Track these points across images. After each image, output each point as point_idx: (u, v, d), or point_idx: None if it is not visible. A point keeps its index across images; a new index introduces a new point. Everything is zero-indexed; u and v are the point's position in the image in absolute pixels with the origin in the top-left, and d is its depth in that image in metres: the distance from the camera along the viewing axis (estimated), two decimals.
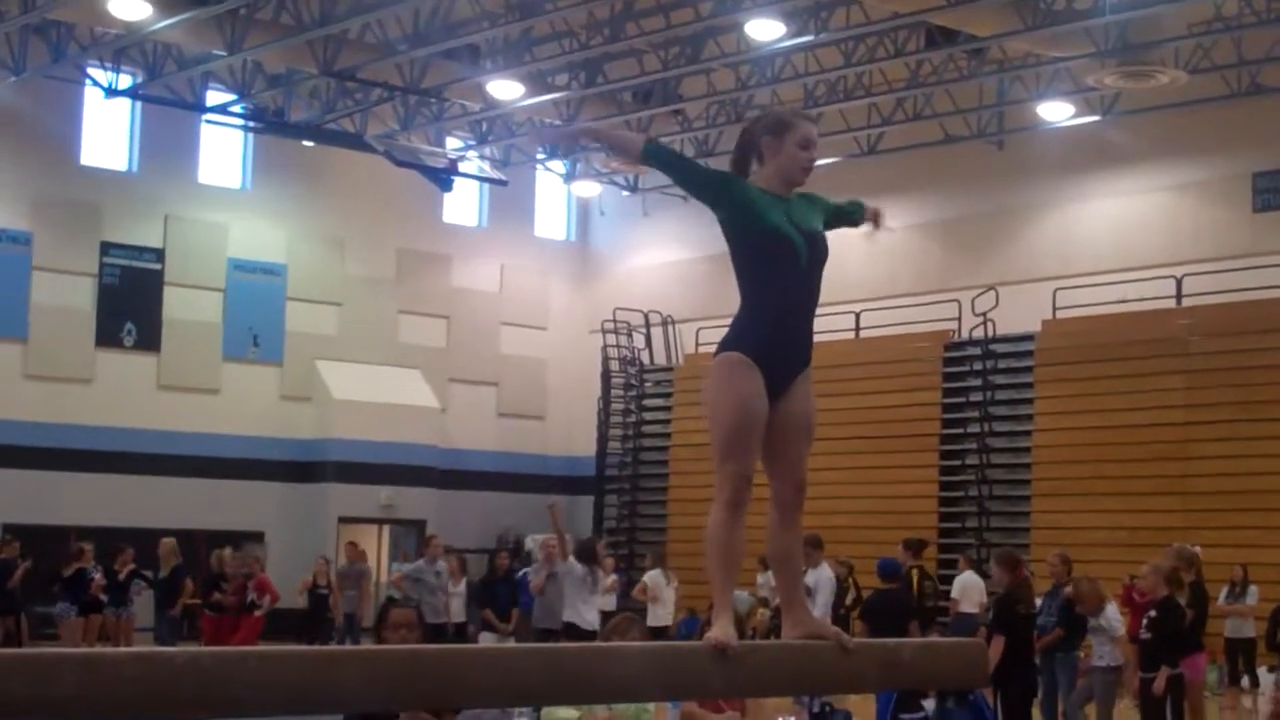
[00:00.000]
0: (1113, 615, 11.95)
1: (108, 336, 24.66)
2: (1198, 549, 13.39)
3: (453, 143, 26.15)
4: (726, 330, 4.55)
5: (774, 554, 4.75)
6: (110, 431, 24.03)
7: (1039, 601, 12.37)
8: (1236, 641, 17.96)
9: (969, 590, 16.35)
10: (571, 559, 14.97)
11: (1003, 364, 22.80)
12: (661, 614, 16.79)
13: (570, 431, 28.67)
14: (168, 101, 23.29)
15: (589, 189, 28.71)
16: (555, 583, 15.12)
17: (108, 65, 22.60)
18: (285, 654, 3.94)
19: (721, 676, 4.44)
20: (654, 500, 26.73)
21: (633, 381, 27.61)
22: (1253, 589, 17.71)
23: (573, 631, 14.46)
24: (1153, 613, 11.04)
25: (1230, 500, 19.52)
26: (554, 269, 29.64)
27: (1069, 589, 12.36)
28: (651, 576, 17.35)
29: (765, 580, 20.90)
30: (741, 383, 4.50)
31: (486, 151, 26.39)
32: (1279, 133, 21.15)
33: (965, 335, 23.18)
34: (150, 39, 21.03)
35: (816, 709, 7.56)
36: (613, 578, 16.70)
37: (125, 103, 24.31)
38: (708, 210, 4.72)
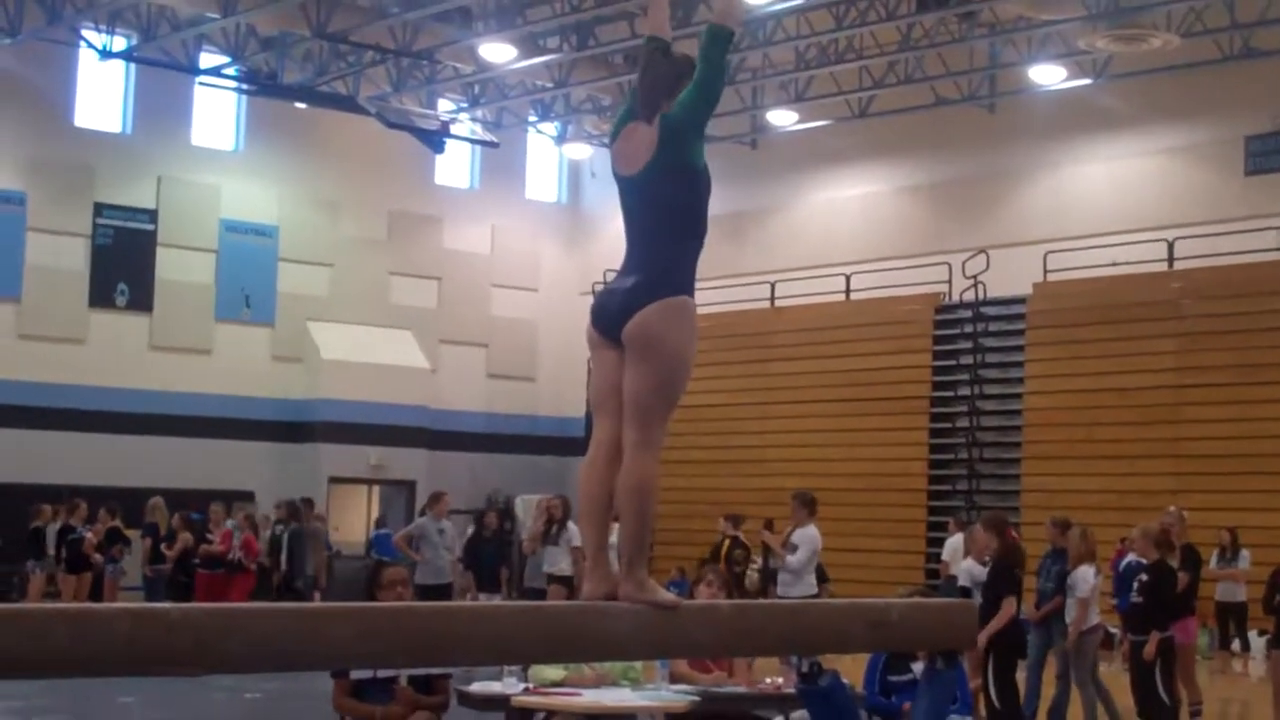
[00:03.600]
0: (1082, 575, 11.79)
1: (101, 297, 24.66)
2: (1184, 512, 13.42)
3: (445, 105, 26.09)
4: (664, 267, 4.43)
5: (605, 500, 4.50)
6: (103, 391, 24.05)
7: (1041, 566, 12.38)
8: (1228, 605, 18.00)
9: (959, 553, 16.38)
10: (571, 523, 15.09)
11: (993, 327, 22.85)
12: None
13: (560, 392, 28.70)
14: (162, 63, 23.22)
15: (580, 151, 28.66)
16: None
17: (102, 27, 22.53)
18: (277, 610, 3.99)
19: (709, 635, 4.49)
20: None
21: None
22: (1244, 553, 17.75)
23: (558, 580, 14.75)
24: (1144, 576, 11.05)
25: (1223, 464, 19.59)
26: (545, 231, 29.61)
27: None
28: (574, 529, 16.22)
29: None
30: (697, 334, 4.48)
31: (478, 114, 26.34)
32: (1271, 96, 21.15)
33: (956, 298, 23.22)
34: (144, 1, 20.95)
35: (805, 668, 7.61)
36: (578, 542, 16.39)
37: (119, 65, 24.23)
38: None
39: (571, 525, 15.39)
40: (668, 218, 4.49)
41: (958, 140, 24.08)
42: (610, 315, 4.48)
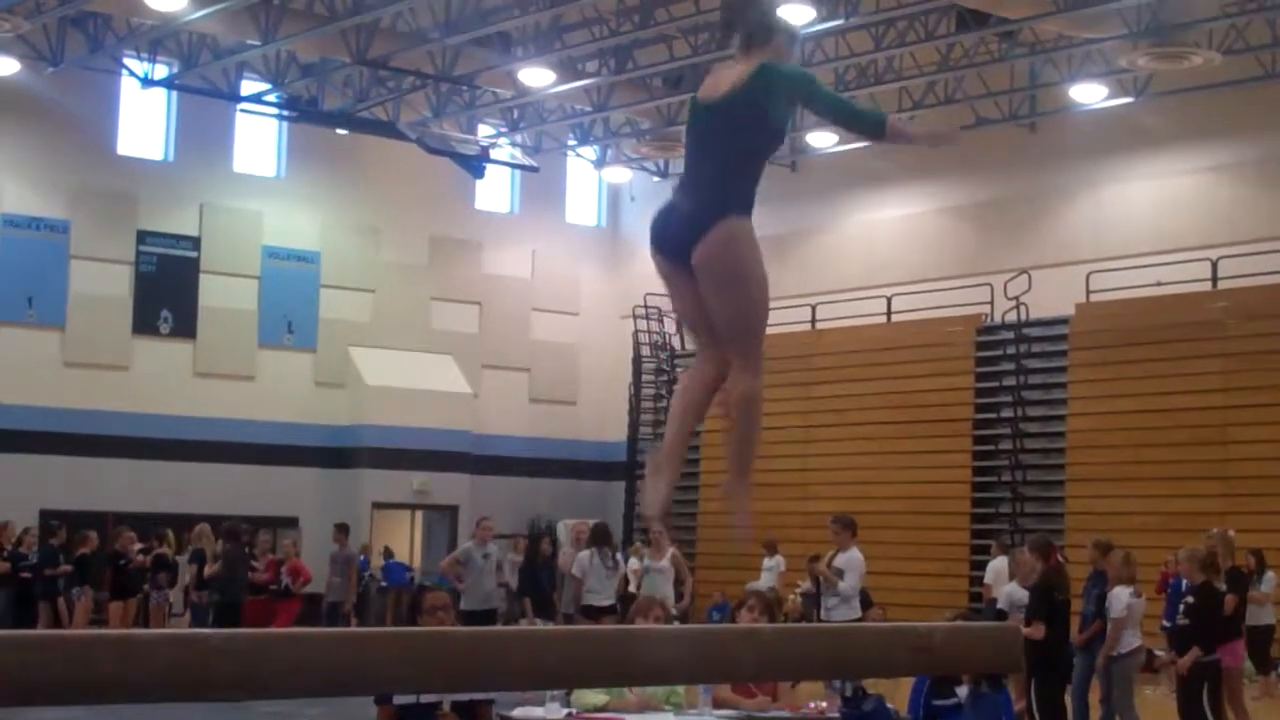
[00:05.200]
0: (1116, 597, 11.63)
1: (144, 324, 24.83)
2: (1232, 534, 13.28)
3: (484, 130, 26.20)
4: (725, 190, 4.36)
5: (699, 408, 4.53)
6: (147, 418, 24.21)
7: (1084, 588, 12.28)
8: (1256, 629, 17.74)
9: (1002, 576, 16.33)
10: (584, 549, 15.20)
11: (1036, 348, 22.72)
12: (597, 596, 15.23)
13: (602, 417, 28.73)
14: (203, 91, 23.40)
15: (619, 175, 28.71)
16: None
17: (144, 56, 22.72)
18: (319, 635, 3.97)
19: (753, 660, 4.46)
20: (685, 485, 26.68)
21: (664, 367, 27.63)
22: (1269, 575, 17.51)
23: (590, 611, 14.82)
24: (1190, 598, 10.98)
25: (1270, 484, 19.38)
26: (585, 255, 29.66)
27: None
28: (581, 558, 15.64)
29: (774, 564, 20.80)
30: (760, 252, 4.44)
31: (518, 138, 26.43)
32: None
33: (998, 319, 23.11)
34: (186, 29, 21.13)
35: (849, 693, 7.58)
36: (629, 563, 16.36)
37: (161, 93, 24.44)
38: None
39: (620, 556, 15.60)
40: (735, 146, 4.46)
41: (998, 160, 24.01)
42: (673, 238, 4.49)
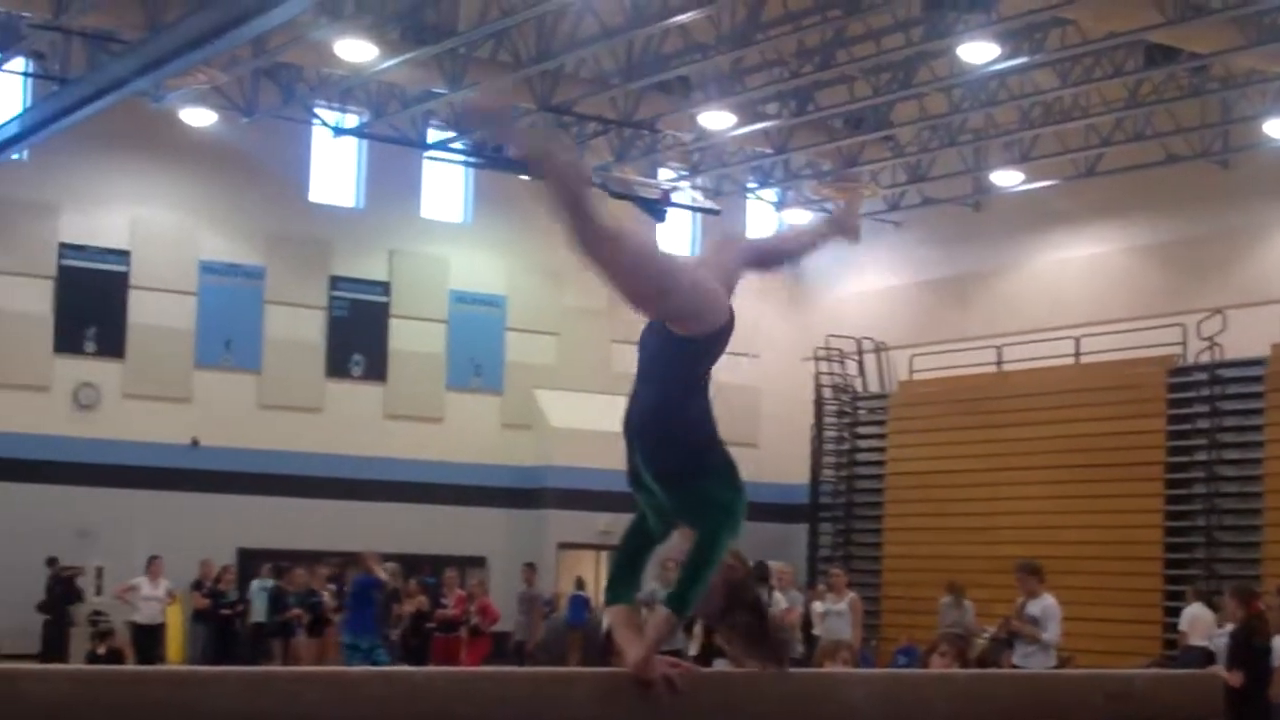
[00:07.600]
0: (1277, 646, 11.26)
1: (337, 367, 25.45)
2: None
3: (665, 173, 26.38)
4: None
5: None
6: (339, 459, 24.75)
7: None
8: None
9: (1197, 623, 15.94)
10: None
11: (1231, 389, 22.13)
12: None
13: (784, 459, 28.59)
14: (391, 139, 23.96)
15: (799, 216, 28.65)
16: None
17: (335, 105, 23.35)
18: (516, 674, 4.06)
19: (946, 704, 4.44)
20: (869, 529, 26.54)
21: (846, 409, 27.48)
22: None
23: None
24: None
25: None
26: (766, 297, 29.58)
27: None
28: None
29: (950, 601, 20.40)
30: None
31: (698, 181, 26.57)
32: None
33: (1191, 360, 22.58)
34: (374, 79, 21.66)
35: None
36: (785, 605, 16.42)
37: (352, 141, 25.07)
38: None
39: (777, 594, 15.80)
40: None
41: (1190, 198, 23.47)
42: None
